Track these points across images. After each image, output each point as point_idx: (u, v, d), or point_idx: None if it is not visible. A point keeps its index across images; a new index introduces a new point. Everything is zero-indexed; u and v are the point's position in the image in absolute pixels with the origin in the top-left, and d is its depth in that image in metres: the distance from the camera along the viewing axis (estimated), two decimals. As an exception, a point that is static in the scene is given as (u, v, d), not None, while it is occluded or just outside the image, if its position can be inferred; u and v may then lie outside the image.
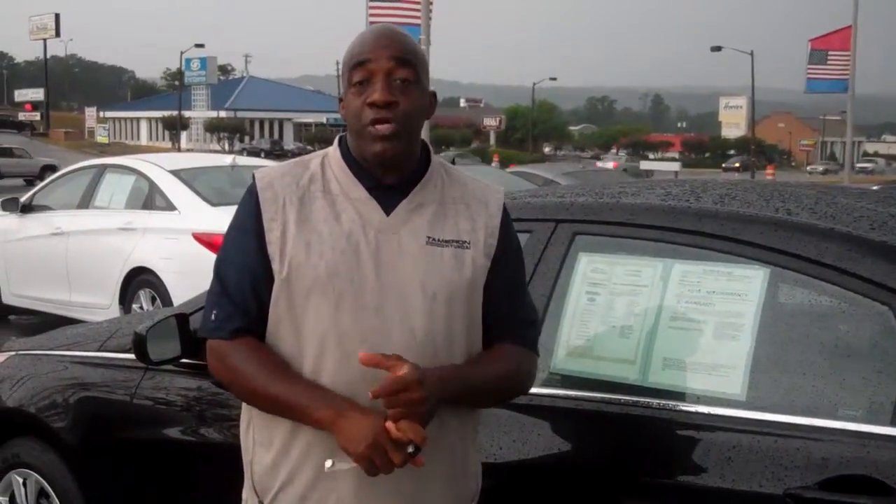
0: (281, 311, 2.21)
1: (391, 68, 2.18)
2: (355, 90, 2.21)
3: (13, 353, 4.33)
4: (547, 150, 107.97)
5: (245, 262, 2.24)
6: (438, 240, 2.24)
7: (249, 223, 2.25)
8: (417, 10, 18.54)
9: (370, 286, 2.18)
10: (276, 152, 69.17)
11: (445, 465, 2.26)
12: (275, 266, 2.20)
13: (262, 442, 2.29)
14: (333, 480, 2.18)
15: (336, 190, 2.25)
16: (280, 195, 2.24)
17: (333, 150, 2.33)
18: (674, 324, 2.74)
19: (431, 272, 2.21)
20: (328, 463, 2.12)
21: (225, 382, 2.31)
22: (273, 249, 2.21)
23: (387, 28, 2.30)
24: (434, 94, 2.35)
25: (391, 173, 2.25)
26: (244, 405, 2.35)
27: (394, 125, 2.17)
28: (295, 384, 2.17)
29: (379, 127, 2.17)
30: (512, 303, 2.36)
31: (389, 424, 2.03)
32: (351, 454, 2.06)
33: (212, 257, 8.35)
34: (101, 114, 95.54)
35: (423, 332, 2.19)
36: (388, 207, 2.24)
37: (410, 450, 2.03)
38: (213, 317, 2.28)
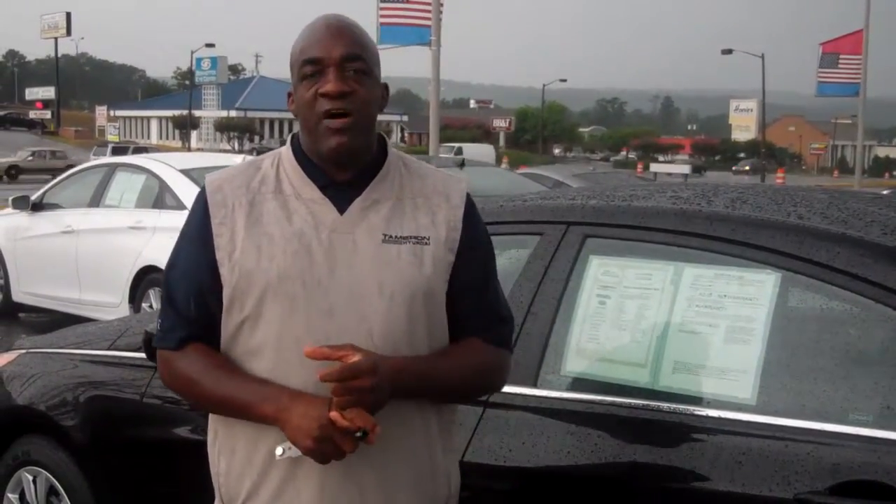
0: (235, 317, 2.16)
1: (343, 60, 2.12)
2: (307, 83, 2.14)
3: (23, 350, 4.35)
4: (557, 151, 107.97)
5: (190, 271, 2.20)
6: (395, 237, 2.17)
7: (197, 229, 2.20)
8: (428, 12, 18.56)
9: (323, 289, 2.12)
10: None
11: (411, 469, 2.20)
12: (223, 272, 2.15)
13: (225, 451, 2.24)
14: (297, 491, 2.14)
15: (288, 190, 2.19)
16: (229, 199, 2.18)
17: (286, 149, 2.26)
18: (685, 327, 2.74)
19: (388, 271, 2.14)
20: (279, 450, 2.09)
21: (175, 391, 2.28)
22: (221, 255, 2.15)
23: (336, 18, 2.21)
24: (386, 87, 2.27)
25: (345, 169, 2.18)
26: (210, 417, 2.31)
27: (350, 118, 2.11)
28: (240, 383, 2.13)
29: (333, 120, 2.11)
30: (480, 298, 2.29)
31: (335, 414, 1.98)
32: (299, 447, 2.03)
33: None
34: (112, 112, 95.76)
35: (382, 334, 2.12)
36: (342, 206, 2.17)
37: (359, 434, 1.99)
38: (159, 326, 2.26)
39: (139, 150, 48.00)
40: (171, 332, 2.22)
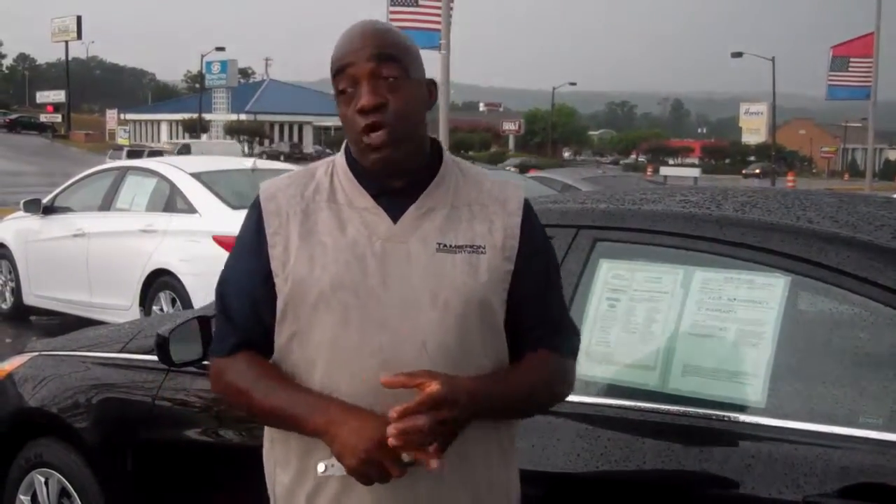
0: (288, 328, 2.13)
1: (374, 68, 2.06)
2: (344, 98, 2.10)
3: (35, 353, 4.37)
4: (566, 154, 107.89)
5: (244, 281, 2.18)
6: (450, 246, 2.10)
7: (251, 239, 2.18)
8: (437, 15, 18.54)
9: (376, 299, 2.07)
10: (296, 155, 69.41)
11: (468, 485, 2.15)
12: (278, 282, 2.12)
13: (281, 462, 2.20)
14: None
15: (342, 199, 2.15)
16: (283, 208, 2.15)
17: (339, 157, 2.22)
18: (694, 331, 2.74)
19: (442, 281, 2.08)
20: (321, 467, 2.05)
21: (226, 399, 2.26)
22: (276, 265, 2.12)
23: (364, 25, 2.13)
24: (433, 83, 2.20)
25: (396, 178, 2.13)
26: (266, 427, 2.26)
27: (386, 132, 2.05)
28: (291, 393, 2.09)
29: (372, 136, 2.05)
30: (544, 308, 2.22)
31: (392, 430, 1.90)
32: (345, 465, 1.98)
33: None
34: (122, 116, 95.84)
35: (436, 345, 2.06)
36: (395, 214, 2.12)
37: (407, 460, 1.93)
38: (213, 336, 2.26)
39: (154, 153, 48.02)
40: (223, 340, 2.20)
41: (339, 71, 2.10)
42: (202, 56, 76.00)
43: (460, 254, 2.11)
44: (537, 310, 2.21)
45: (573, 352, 2.31)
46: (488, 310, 2.13)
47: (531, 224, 2.21)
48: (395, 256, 2.09)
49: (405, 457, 1.94)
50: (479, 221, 2.16)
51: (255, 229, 2.17)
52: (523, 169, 39.64)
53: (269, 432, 2.26)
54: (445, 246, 2.11)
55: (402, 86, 2.08)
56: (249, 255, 2.17)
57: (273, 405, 2.09)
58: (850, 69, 25.10)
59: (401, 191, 2.14)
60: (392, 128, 2.06)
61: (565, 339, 2.28)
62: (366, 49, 2.07)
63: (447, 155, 2.23)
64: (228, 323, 2.20)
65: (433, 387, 1.94)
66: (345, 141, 2.25)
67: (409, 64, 2.11)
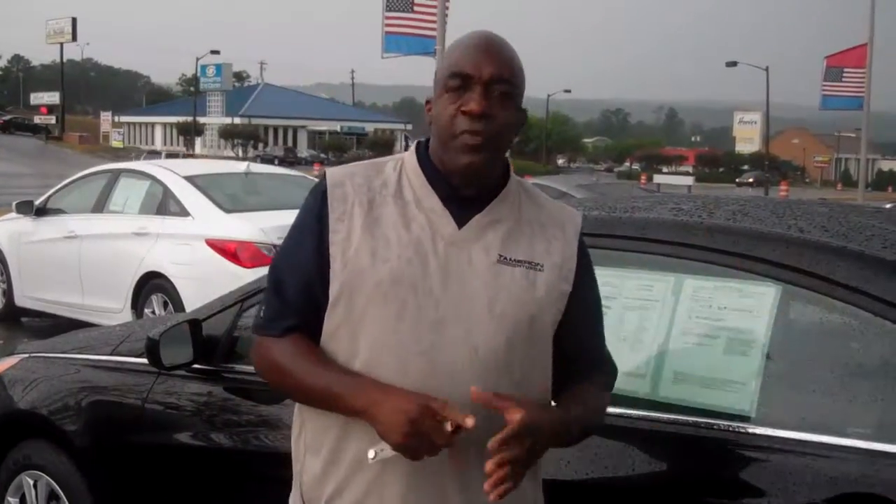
0: (339, 314, 2.13)
1: (491, 80, 2.10)
2: (450, 96, 2.11)
3: (26, 355, 4.36)
4: (561, 161, 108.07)
5: (300, 262, 2.18)
6: (510, 259, 2.15)
7: (312, 222, 2.18)
8: (433, 22, 18.56)
9: (434, 299, 2.09)
10: (290, 160, 69.40)
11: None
12: (335, 266, 2.13)
13: (312, 449, 2.21)
14: (380, 498, 2.11)
15: (409, 197, 2.17)
16: (350, 195, 2.16)
17: (409, 156, 2.24)
18: (685, 339, 2.75)
19: (500, 291, 2.12)
20: (371, 454, 2.04)
21: (267, 378, 2.26)
22: (335, 250, 2.13)
23: (493, 37, 2.18)
24: (525, 111, 2.25)
25: (469, 185, 2.16)
26: (296, 411, 2.29)
27: (483, 139, 2.09)
28: (333, 374, 2.11)
29: (469, 137, 2.09)
30: (591, 337, 2.30)
31: (436, 405, 1.96)
32: (391, 444, 1.98)
33: (225, 263, 8.43)
34: (116, 118, 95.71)
35: (486, 352, 2.09)
36: (461, 220, 2.15)
37: (450, 428, 1.95)
38: (261, 314, 2.26)
39: (187, 157, 48.13)
40: (276, 320, 2.20)
41: (455, 72, 2.12)
42: (197, 59, 76.00)
43: (519, 268, 2.15)
44: (586, 339, 2.28)
45: (612, 388, 2.38)
46: (539, 325, 2.17)
47: (584, 251, 2.28)
48: (456, 260, 2.13)
49: (448, 426, 1.96)
50: (539, 240, 2.20)
51: (316, 213, 2.18)
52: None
53: (299, 418, 2.27)
54: (506, 258, 2.15)
55: (507, 104, 2.13)
56: (310, 238, 2.17)
57: (314, 384, 2.12)
58: (843, 79, 25.21)
59: (468, 199, 2.17)
60: (488, 139, 2.10)
61: (610, 375, 2.37)
62: (489, 60, 2.11)
63: (513, 174, 2.27)
64: (281, 303, 2.21)
65: (520, 415, 1.97)
66: (416, 141, 2.28)
67: (519, 87, 2.17)
